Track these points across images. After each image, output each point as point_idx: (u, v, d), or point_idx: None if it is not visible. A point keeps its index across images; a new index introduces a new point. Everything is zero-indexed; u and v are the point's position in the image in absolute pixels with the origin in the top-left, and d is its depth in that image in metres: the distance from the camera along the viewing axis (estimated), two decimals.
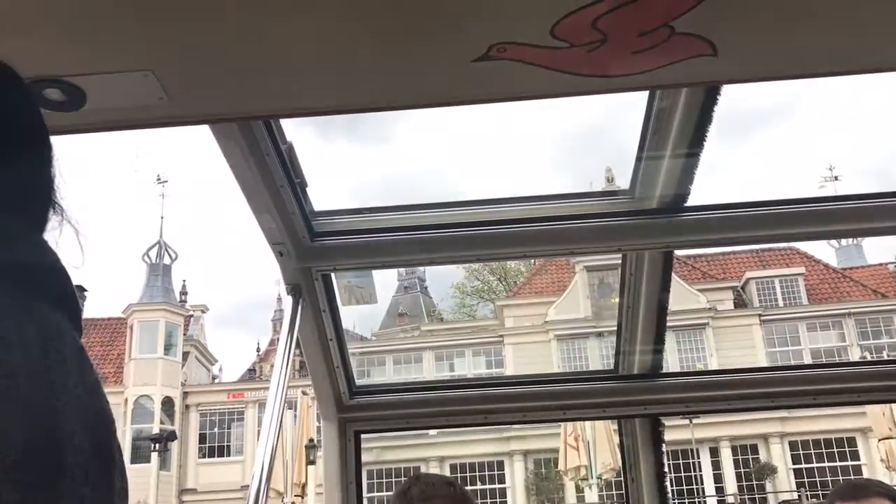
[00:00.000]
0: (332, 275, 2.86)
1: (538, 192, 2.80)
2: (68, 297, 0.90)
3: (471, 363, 33.83)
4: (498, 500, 31.58)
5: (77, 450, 0.79)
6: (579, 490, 28.83)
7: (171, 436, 32.96)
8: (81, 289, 41.72)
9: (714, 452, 30.24)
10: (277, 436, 2.39)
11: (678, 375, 3.40)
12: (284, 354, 2.53)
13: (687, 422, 26.20)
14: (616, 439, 22.52)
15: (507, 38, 1.46)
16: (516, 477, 31.49)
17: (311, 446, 24.47)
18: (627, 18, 1.43)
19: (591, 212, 2.74)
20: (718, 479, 30.19)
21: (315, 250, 2.68)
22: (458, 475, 31.10)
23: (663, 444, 3.31)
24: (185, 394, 36.85)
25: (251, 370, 44.80)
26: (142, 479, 34.07)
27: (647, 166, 2.64)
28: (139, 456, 34.49)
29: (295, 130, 2.40)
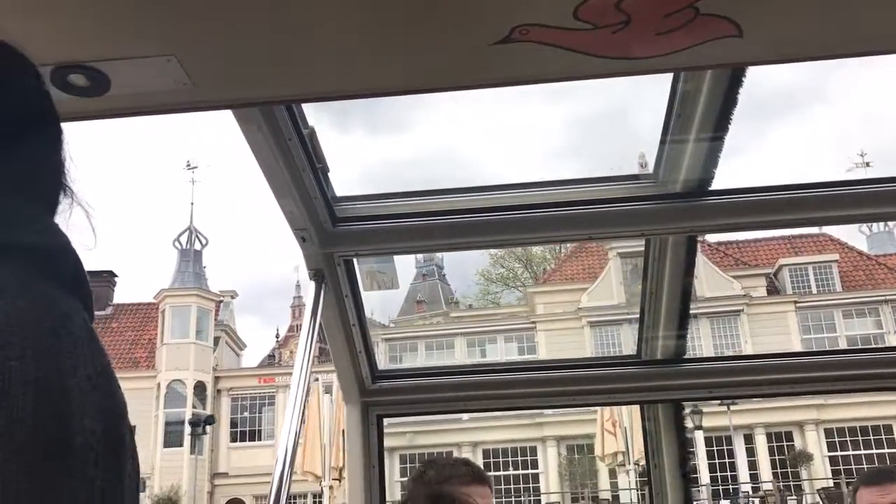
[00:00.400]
0: (355, 260, 2.87)
1: (560, 177, 2.79)
2: (80, 280, 0.90)
3: (503, 349, 33.84)
4: (531, 485, 31.75)
5: (87, 432, 0.80)
6: (613, 475, 29.09)
7: (210, 419, 33.26)
8: (112, 274, 42.33)
9: (748, 439, 30.25)
10: (301, 420, 2.41)
11: (702, 361, 3.38)
12: (307, 339, 2.54)
13: (725, 408, 26.25)
14: None
15: (530, 21, 1.45)
16: (549, 462, 31.60)
17: None
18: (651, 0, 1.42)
19: (614, 196, 2.72)
20: (753, 465, 30.21)
21: (337, 235, 2.68)
22: (491, 460, 31.43)
23: (686, 430, 3.30)
24: (217, 378, 37.10)
25: (270, 356, 45.10)
26: (175, 464, 34.44)
27: (671, 150, 2.62)
28: (172, 441, 34.83)
29: (314, 118, 2.41)
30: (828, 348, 27.82)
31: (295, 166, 2.34)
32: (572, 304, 33.14)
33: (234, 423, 36.41)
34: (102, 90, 1.56)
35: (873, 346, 26.18)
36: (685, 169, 2.61)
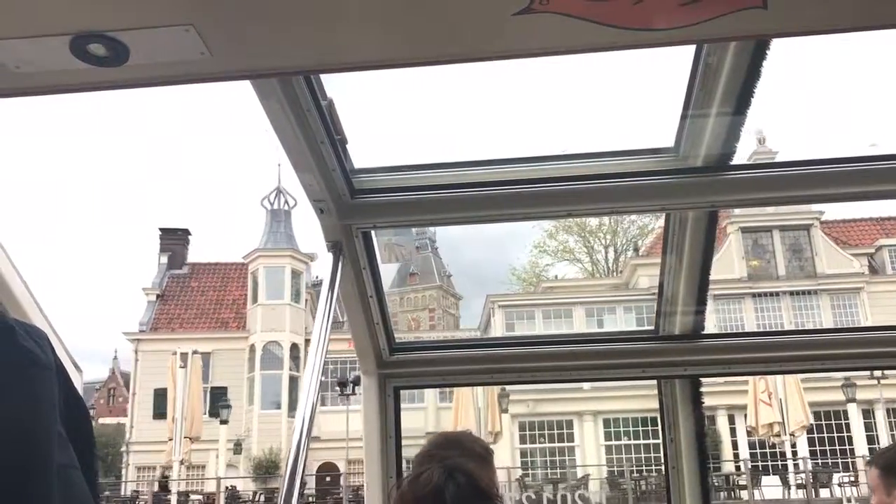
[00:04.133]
0: (373, 232, 2.87)
1: (581, 150, 2.78)
2: None
3: (622, 319, 33.83)
4: (652, 454, 32.09)
5: None
6: (735, 447, 30.55)
7: (357, 380, 33.07)
8: (186, 232, 42.21)
9: (867, 414, 30.59)
10: (318, 389, 2.43)
11: (719, 337, 3.37)
12: (325, 310, 2.56)
13: (875, 381, 26.77)
14: (807, 396, 21.77)
15: None
16: None
17: (504, 395, 24.75)
18: None
19: (635, 170, 2.70)
20: (871, 440, 30.47)
21: (355, 208, 2.68)
22: (612, 429, 32.08)
23: (703, 405, 3.30)
24: (307, 341, 36.75)
25: None
26: (272, 426, 34.27)
27: (693, 124, 2.59)
28: (269, 402, 34.85)
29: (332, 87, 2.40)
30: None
31: (313, 138, 2.34)
32: None
33: (324, 387, 35.54)
34: (121, 60, 1.56)
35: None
36: (706, 143, 2.59)
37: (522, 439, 30.57)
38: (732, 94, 2.39)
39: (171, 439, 24.15)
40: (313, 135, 2.33)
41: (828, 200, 3.02)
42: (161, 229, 41.62)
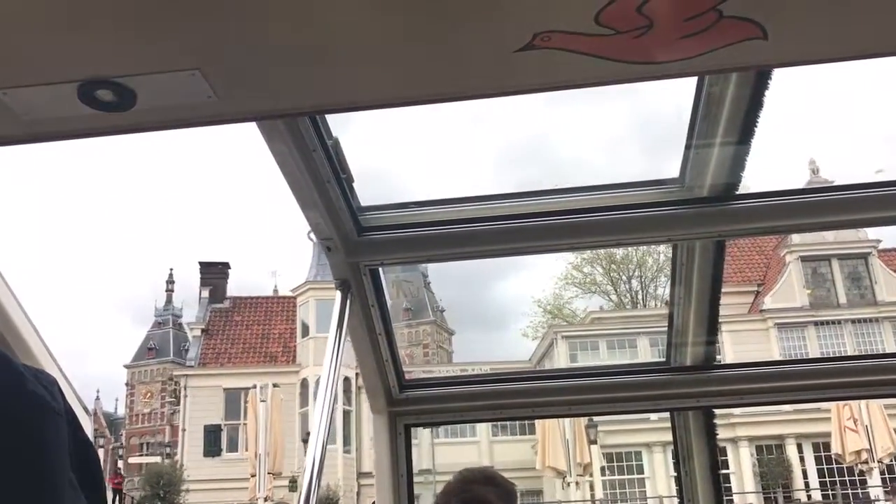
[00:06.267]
0: (380, 269, 2.87)
1: (586, 183, 2.79)
2: None
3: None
4: (722, 485, 31.30)
5: None
6: (805, 476, 30.29)
7: None
8: (227, 265, 41.93)
9: None
10: (329, 427, 2.41)
11: (731, 367, 3.35)
12: (334, 349, 2.55)
13: None
14: (893, 423, 21.09)
15: (551, 27, 1.44)
16: (742, 462, 31.47)
17: (592, 426, 24.39)
18: (673, 3, 1.41)
19: (640, 202, 2.70)
20: None
21: (362, 245, 2.69)
22: None
23: (717, 437, 3.27)
24: (357, 374, 36.36)
25: None
26: (328, 462, 33.47)
27: (697, 154, 2.60)
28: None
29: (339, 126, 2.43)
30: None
31: (320, 177, 2.36)
32: (738, 306, 33.36)
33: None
34: (129, 105, 1.58)
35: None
36: (711, 173, 2.59)
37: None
38: (736, 123, 2.40)
39: (253, 475, 23.53)
40: (319, 174, 2.35)
41: (839, 227, 3.02)
42: (201, 263, 41.43)
